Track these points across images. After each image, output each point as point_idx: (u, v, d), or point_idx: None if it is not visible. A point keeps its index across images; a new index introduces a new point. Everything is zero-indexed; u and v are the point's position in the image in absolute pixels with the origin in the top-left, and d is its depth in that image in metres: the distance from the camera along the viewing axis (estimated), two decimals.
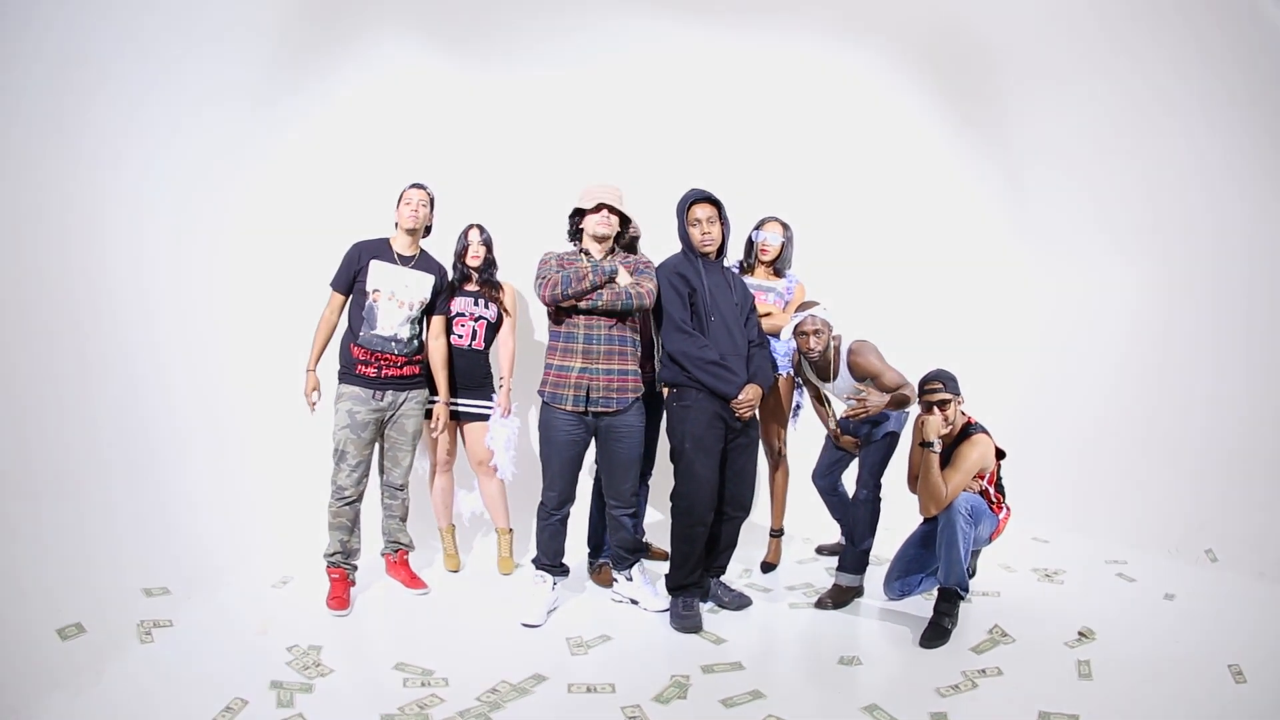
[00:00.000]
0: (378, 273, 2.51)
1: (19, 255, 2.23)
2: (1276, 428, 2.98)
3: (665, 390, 2.55)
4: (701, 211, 2.52)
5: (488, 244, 2.81)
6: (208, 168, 2.87)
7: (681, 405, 2.47)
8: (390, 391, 2.52)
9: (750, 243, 2.99)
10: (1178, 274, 3.35)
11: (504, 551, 2.91)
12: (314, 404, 2.55)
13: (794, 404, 3.02)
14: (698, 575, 2.51)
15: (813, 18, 3.67)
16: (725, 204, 2.89)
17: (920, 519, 2.52)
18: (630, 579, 2.61)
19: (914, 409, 2.58)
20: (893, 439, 2.75)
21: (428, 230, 2.67)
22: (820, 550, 3.23)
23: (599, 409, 2.41)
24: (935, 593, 2.45)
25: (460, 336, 2.76)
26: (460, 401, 2.79)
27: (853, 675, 2.15)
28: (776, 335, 2.80)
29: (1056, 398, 3.80)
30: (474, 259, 2.78)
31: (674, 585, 2.51)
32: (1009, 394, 3.89)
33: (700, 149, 3.70)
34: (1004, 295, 4.02)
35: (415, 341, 2.58)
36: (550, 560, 2.54)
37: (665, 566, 2.60)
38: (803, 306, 2.69)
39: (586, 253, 2.48)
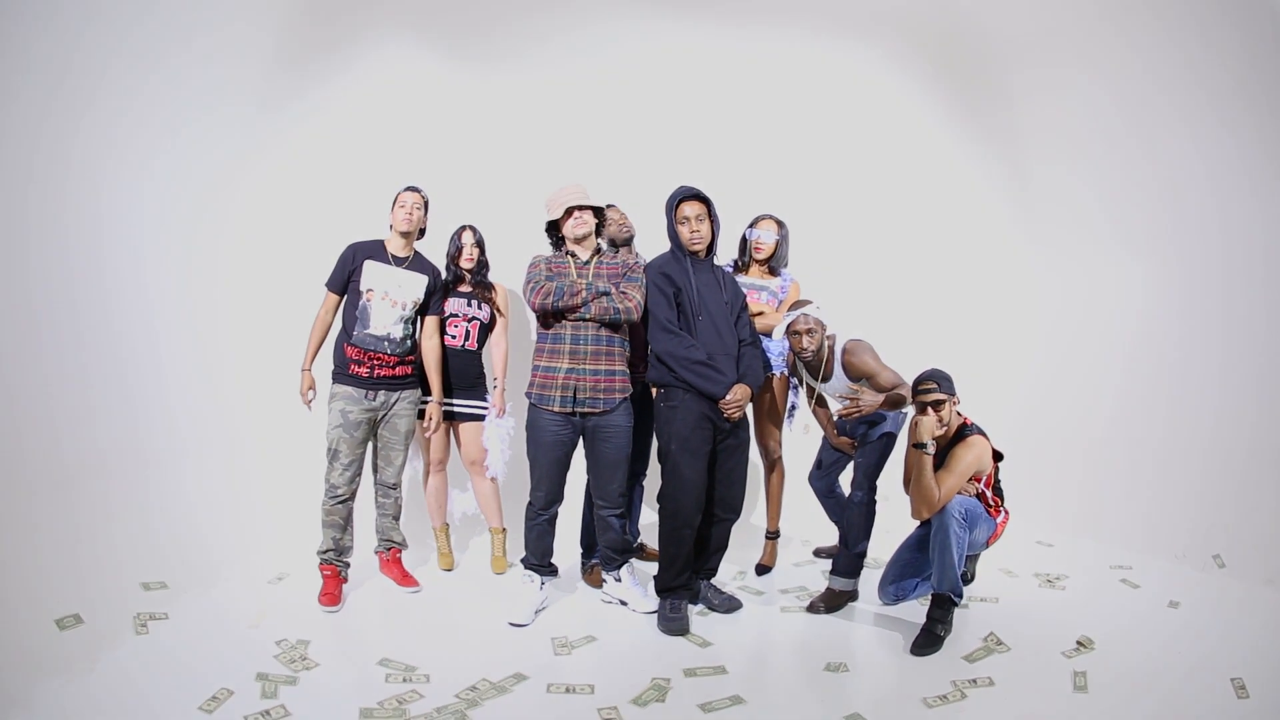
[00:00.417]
0: (371, 272, 2.55)
1: (20, 255, 2.31)
2: None
3: (655, 390, 2.54)
4: (690, 209, 2.50)
5: (480, 245, 2.83)
6: (206, 170, 2.94)
7: (669, 406, 2.45)
8: (382, 391, 2.56)
9: (744, 241, 2.96)
10: (1187, 272, 3.23)
11: (497, 551, 2.93)
12: (309, 403, 2.60)
13: (789, 404, 2.98)
14: (686, 577, 2.49)
15: (813, 12, 3.62)
16: (726, 203, 2.86)
17: (916, 522, 2.47)
18: (619, 580, 2.60)
19: (911, 409, 2.52)
20: (889, 440, 2.70)
21: (422, 232, 2.70)
22: (818, 553, 3.18)
23: (586, 409, 2.41)
24: (930, 598, 2.39)
25: (454, 337, 2.78)
26: (454, 402, 2.82)
27: (838, 682, 2.10)
28: (769, 335, 2.77)
29: (1063, 398, 3.69)
30: (467, 261, 2.80)
31: (662, 587, 2.49)
32: (1015, 394, 3.81)
33: (699, 147, 3.68)
34: (1010, 294, 3.93)
35: (408, 342, 2.61)
36: (538, 560, 2.54)
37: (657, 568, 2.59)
38: (795, 305, 2.65)
39: (573, 255, 2.49)
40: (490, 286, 2.86)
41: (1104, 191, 3.49)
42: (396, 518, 2.75)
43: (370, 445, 2.64)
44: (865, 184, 3.89)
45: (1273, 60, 2.73)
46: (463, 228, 2.83)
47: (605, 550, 2.59)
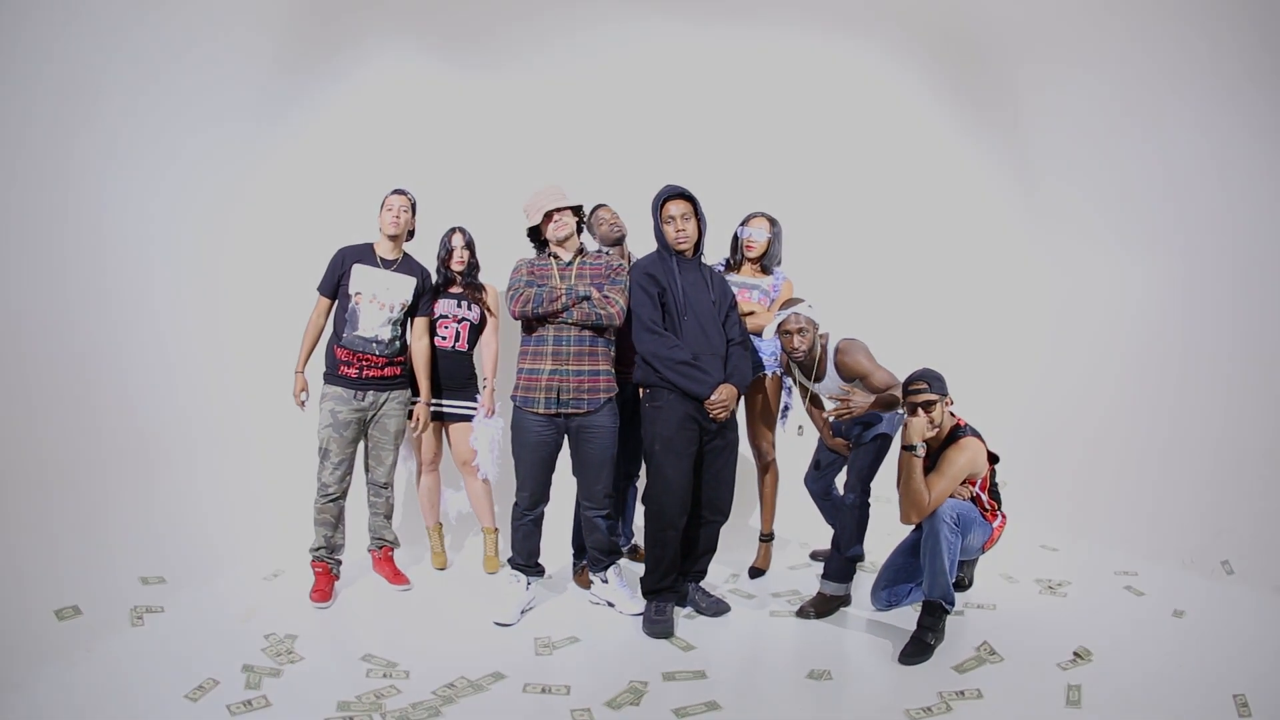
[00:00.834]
0: (359, 276, 2.59)
1: (21, 257, 2.40)
2: None
3: (641, 391, 2.53)
4: (675, 208, 2.48)
5: (470, 246, 2.85)
6: (205, 173, 3.02)
7: (653, 406, 2.43)
8: (371, 392, 2.60)
9: (736, 239, 2.92)
10: (1196, 268, 3.09)
11: (489, 551, 2.94)
12: (302, 404, 2.66)
13: (782, 405, 2.93)
14: (672, 579, 2.47)
15: (812, 7, 3.57)
16: (725, 202, 2.84)
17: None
18: (606, 581, 2.59)
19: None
20: (884, 441, 2.63)
21: (411, 234, 2.73)
22: (815, 556, 3.12)
23: (569, 410, 2.41)
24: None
25: (444, 338, 2.81)
26: (444, 402, 2.84)
27: (819, 691, 2.06)
28: (759, 334, 2.73)
29: (1069, 398, 3.56)
30: (458, 264, 2.82)
31: (648, 589, 2.47)
32: (1020, 393, 3.69)
33: (693, 146, 3.65)
34: (1015, 291, 3.81)
35: (397, 343, 2.64)
36: (524, 560, 2.55)
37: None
38: (786, 304, 2.61)
39: (556, 257, 2.50)
40: (480, 287, 2.87)
41: (1111, 187, 3.36)
42: (388, 517, 2.79)
43: (362, 445, 2.68)
44: (866, 180, 3.81)
45: None
46: (452, 230, 2.85)
47: (592, 551, 2.59)
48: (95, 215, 2.63)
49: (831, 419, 2.61)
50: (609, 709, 1.93)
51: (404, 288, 2.63)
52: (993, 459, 2.45)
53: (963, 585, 2.72)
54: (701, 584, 2.63)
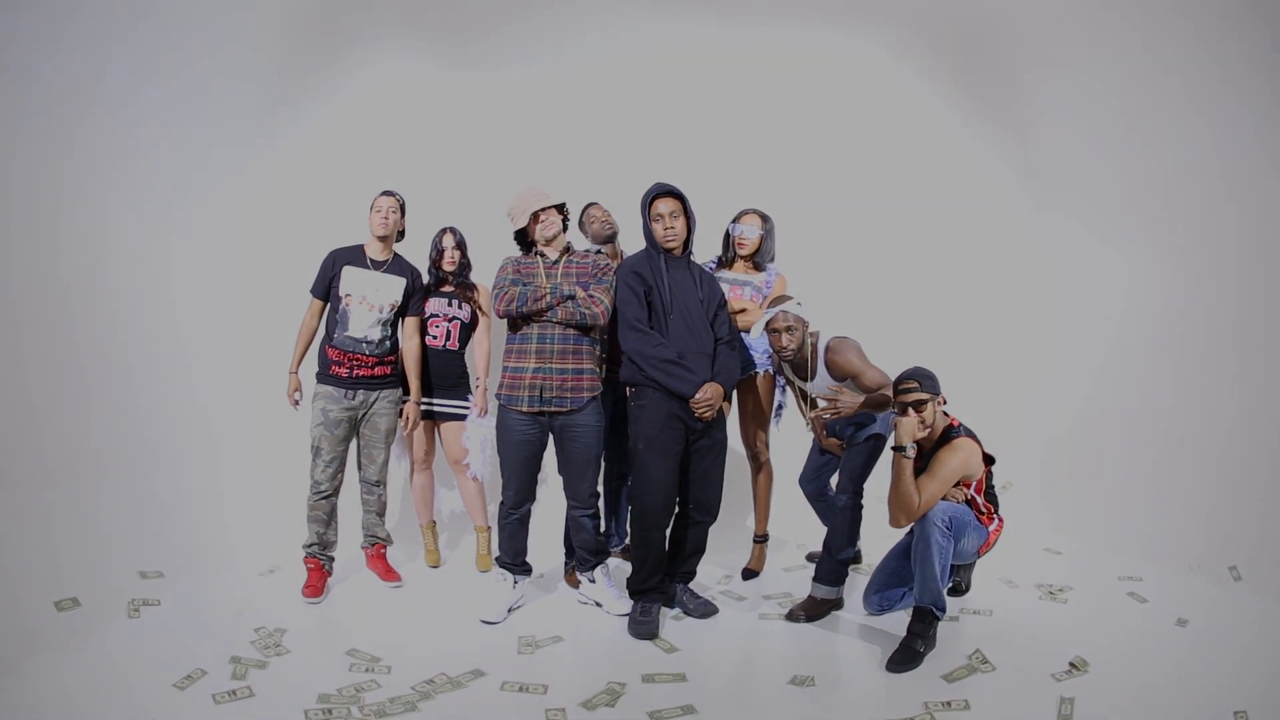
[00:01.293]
0: (349, 278, 2.62)
1: (20, 257, 2.48)
2: None
3: (628, 389, 2.51)
4: (664, 206, 2.45)
5: (461, 246, 2.86)
6: (200, 175, 3.08)
7: (638, 404, 2.42)
8: (361, 391, 2.63)
9: (728, 236, 2.88)
10: (1204, 267, 2.96)
11: (481, 549, 2.95)
12: (296, 403, 2.70)
13: (776, 404, 2.88)
14: (658, 580, 2.45)
15: (812, 3, 3.50)
16: (730, 199, 2.80)
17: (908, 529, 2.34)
18: (594, 581, 2.58)
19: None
20: (877, 442, 2.57)
21: (401, 235, 2.75)
22: (810, 558, 3.06)
23: (553, 409, 2.41)
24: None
25: (435, 337, 2.83)
26: (435, 401, 2.86)
27: (800, 697, 2.01)
28: (749, 332, 2.68)
29: (1075, 398, 3.44)
30: (449, 264, 2.84)
31: (633, 589, 2.46)
32: (1025, 393, 3.58)
33: (690, 143, 3.61)
34: (1020, 289, 3.70)
35: (387, 343, 2.67)
36: (511, 559, 2.55)
37: None
38: (775, 301, 2.55)
39: (542, 255, 2.50)
40: (472, 286, 2.89)
41: (1114, 185, 3.24)
42: (381, 514, 2.82)
43: (354, 444, 2.71)
44: (867, 176, 3.73)
45: None
46: (443, 230, 2.86)
47: (579, 551, 2.58)
48: (94, 215, 2.71)
49: (824, 418, 2.56)
50: (584, 709, 1.92)
51: (393, 289, 2.66)
52: (989, 460, 2.38)
53: (960, 590, 2.64)
54: (691, 585, 2.60)
